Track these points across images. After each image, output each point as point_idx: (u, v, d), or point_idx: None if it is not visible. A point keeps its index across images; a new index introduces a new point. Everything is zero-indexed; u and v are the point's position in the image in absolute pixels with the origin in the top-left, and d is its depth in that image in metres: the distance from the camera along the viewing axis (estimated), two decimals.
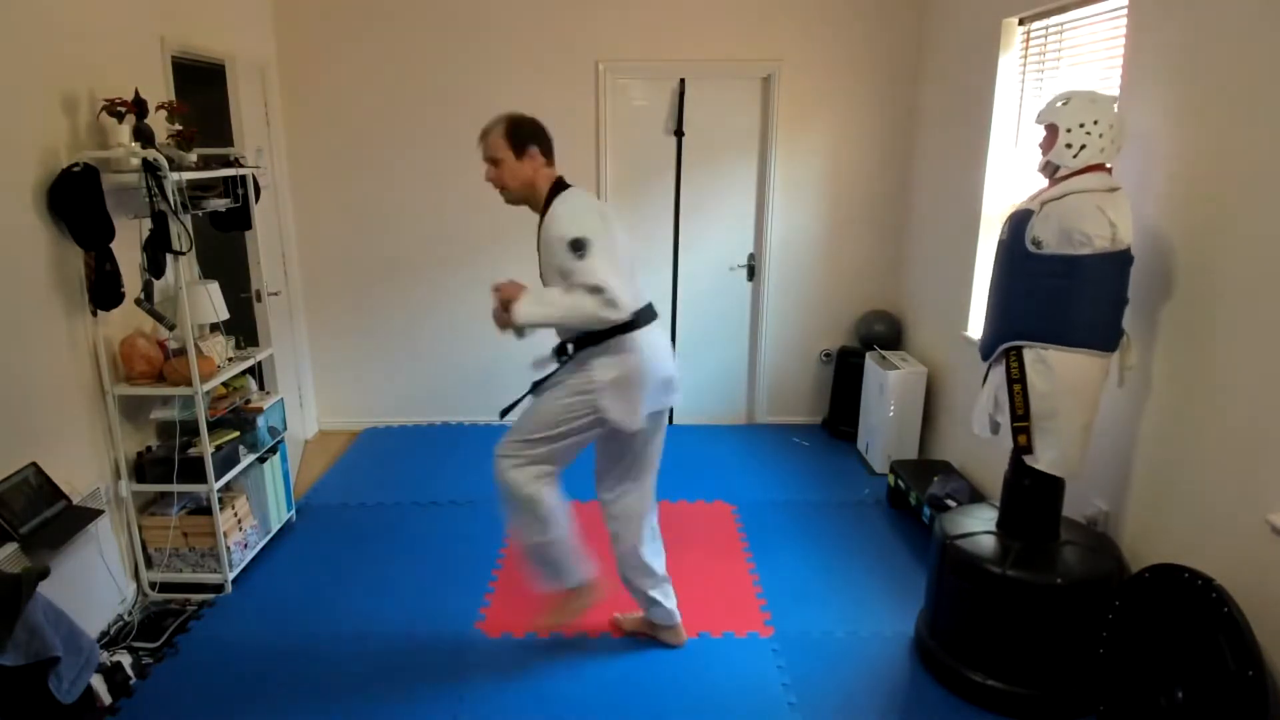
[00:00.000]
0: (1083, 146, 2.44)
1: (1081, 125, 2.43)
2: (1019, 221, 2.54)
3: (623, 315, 2.46)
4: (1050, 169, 2.53)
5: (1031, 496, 2.65)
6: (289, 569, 3.51)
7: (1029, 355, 2.52)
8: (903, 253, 4.91)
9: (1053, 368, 2.48)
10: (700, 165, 4.83)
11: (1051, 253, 2.45)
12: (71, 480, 2.85)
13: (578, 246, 2.43)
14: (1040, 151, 2.56)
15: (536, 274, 2.68)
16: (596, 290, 2.40)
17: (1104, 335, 2.48)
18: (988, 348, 2.67)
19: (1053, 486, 2.64)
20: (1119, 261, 2.44)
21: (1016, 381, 2.54)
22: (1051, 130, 2.50)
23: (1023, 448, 2.57)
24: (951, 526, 2.81)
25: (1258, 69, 2.27)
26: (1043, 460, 2.55)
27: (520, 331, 2.53)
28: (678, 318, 5.04)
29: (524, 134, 2.58)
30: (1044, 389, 2.50)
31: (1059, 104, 2.49)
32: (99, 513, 2.86)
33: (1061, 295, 2.46)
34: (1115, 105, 2.51)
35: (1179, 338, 2.57)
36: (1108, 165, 2.48)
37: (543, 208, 2.61)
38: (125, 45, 3.26)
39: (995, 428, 2.69)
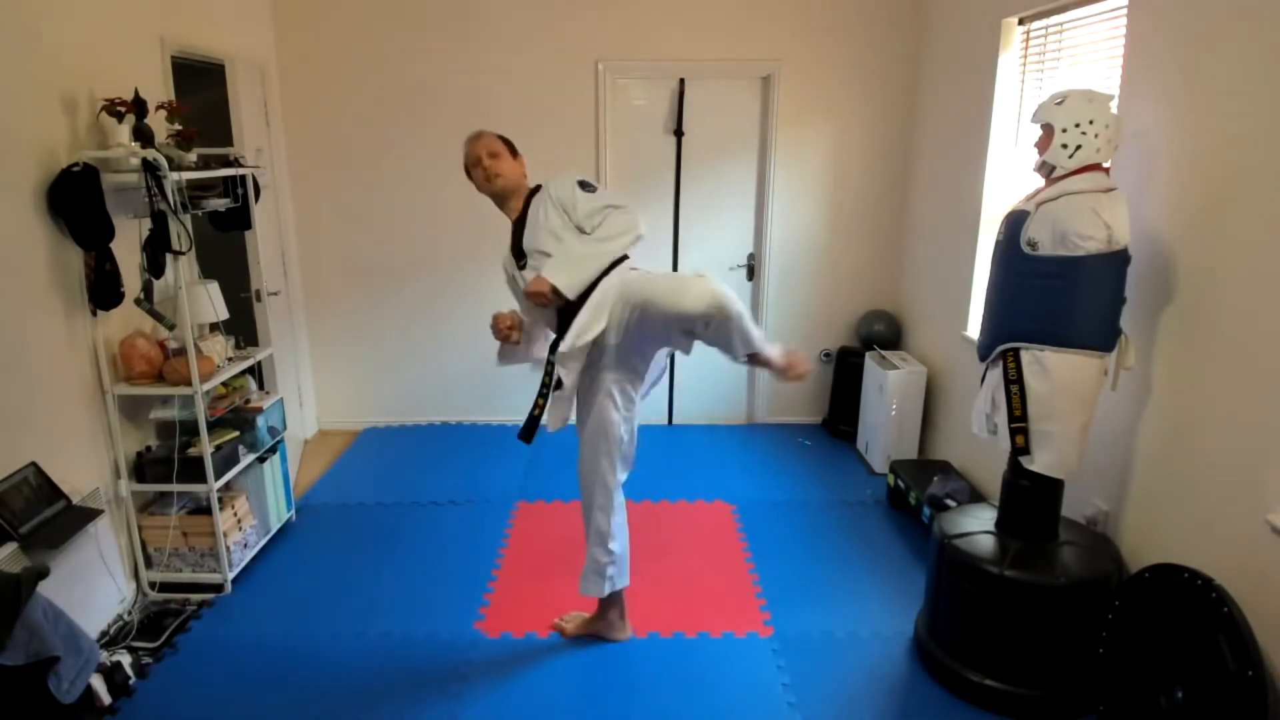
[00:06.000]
0: (1078, 147, 2.42)
1: (1077, 125, 2.42)
2: (1014, 223, 2.53)
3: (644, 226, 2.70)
4: (1046, 169, 2.51)
5: (1030, 497, 2.65)
6: (289, 569, 3.51)
7: (1026, 357, 2.51)
8: (903, 253, 4.91)
9: (1049, 369, 2.47)
10: (700, 165, 4.83)
11: (1047, 254, 2.45)
12: (71, 480, 2.85)
13: (586, 185, 2.72)
14: (1036, 151, 2.54)
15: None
16: (621, 206, 2.66)
17: (1101, 336, 2.48)
18: (985, 349, 2.67)
19: (1052, 487, 2.63)
20: (1115, 262, 2.43)
21: (1014, 383, 2.54)
22: (1047, 130, 2.48)
23: (1020, 449, 2.57)
24: (951, 526, 2.81)
25: (1258, 67, 2.27)
26: (1038, 462, 2.55)
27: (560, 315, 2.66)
28: None
29: (512, 145, 2.88)
30: (1041, 391, 2.50)
31: (1055, 103, 2.47)
32: (98, 512, 2.86)
33: (1057, 296, 2.45)
34: (1113, 103, 2.50)
35: (1179, 337, 2.57)
36: (1105, 165, 2.47)
37: (524, 202, 2.81)
38: (125, 45, 3.26)
39: (994, 428, 2.69)
